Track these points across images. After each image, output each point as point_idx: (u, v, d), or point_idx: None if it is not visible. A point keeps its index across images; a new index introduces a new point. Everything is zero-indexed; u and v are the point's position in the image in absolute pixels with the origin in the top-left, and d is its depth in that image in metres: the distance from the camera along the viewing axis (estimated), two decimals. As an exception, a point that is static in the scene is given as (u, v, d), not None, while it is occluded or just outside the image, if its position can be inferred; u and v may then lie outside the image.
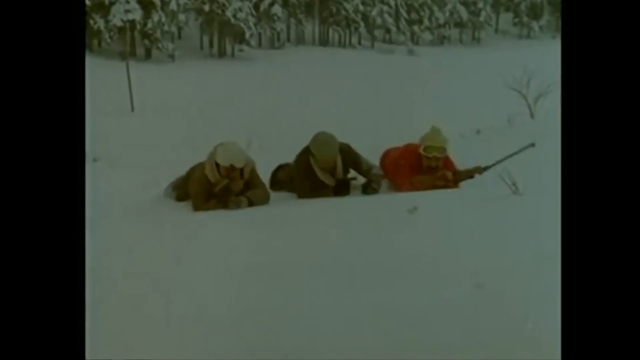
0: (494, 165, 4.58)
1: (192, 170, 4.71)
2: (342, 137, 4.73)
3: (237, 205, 4.40)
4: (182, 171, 4.83)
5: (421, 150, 4.66)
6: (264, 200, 4.53)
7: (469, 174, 4.70)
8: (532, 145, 4.62)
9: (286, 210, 4.16)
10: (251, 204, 4.44)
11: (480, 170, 4.68)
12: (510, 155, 4.57)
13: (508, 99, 10.69)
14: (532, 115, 9.86)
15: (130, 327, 2.06)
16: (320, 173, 4.67)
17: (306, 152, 4.69)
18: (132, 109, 17.54)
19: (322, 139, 4.67)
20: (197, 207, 4.45)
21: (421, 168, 4.68)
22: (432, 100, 16.46)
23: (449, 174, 4.64)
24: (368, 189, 4.65)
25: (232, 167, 4.43)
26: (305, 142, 4.72)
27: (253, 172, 4.61)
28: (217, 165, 4.44)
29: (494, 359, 1.74)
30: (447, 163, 4.75)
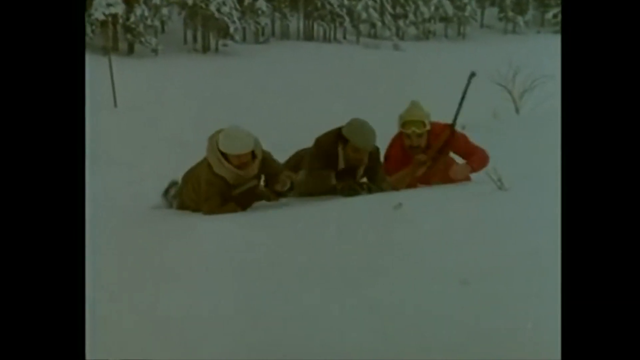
0: (457, 115, 4.34)
1: (190, 174, 4.25)
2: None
3: (283, 187, 3.99)
4: (167, 167, 4.76)
5: (400, 128, 4.28)
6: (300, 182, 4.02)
7: (444, 139, 4.27)
8: (473, 74, 4.42)
9: (279, 210, 4.14)
10: (292, 186, 4.01)
11: (450, 126, 4.32)
12: (463, 96, 4.34)
13: (493, 94, 10.74)
14: (517, 110, 9.95)
15: (130, 327, 2.06)
16: (342, 162, 4.11)
17: (335, 134, 4.10)
18: (115, 105, 17.39)
19: (362, 126, 4.08)
20: (211, 212, 3.93)
21: (406, 151, 4.28)
22: (417, 95, 16.38)
23: (422, 157, 4.22)
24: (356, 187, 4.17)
25: (243, 155, 3.90)
26: (293, 136, 4.62)
27: (265, 153, 4.10)
28: (223, 155, 3.93)
29: (491, 359, 1.76)
30: (434, 139, 4.30)
